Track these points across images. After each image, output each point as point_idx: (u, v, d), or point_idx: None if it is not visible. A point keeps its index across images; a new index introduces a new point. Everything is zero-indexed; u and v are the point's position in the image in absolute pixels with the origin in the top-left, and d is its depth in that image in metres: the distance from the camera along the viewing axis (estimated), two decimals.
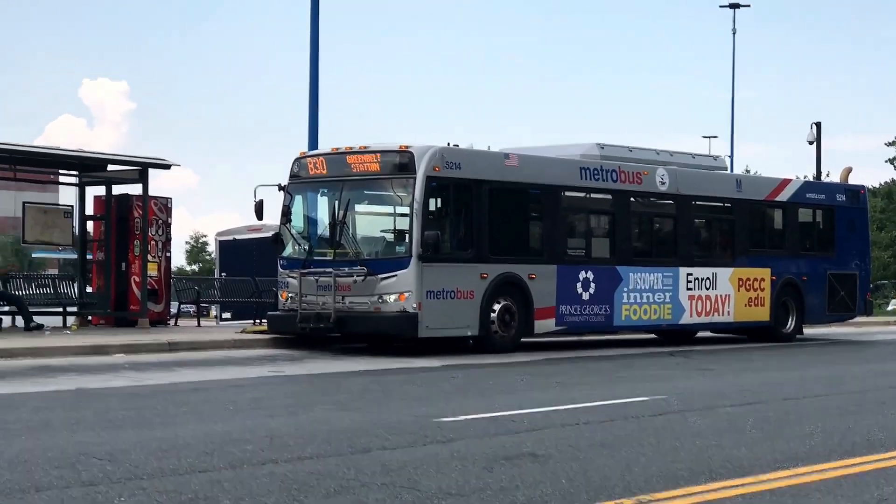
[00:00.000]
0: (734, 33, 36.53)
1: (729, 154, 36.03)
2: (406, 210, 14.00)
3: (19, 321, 16.45)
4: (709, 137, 47.23)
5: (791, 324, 18.69)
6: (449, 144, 14.88)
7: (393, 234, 14.85)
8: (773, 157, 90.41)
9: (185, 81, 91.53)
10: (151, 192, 17.75)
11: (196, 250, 54.13)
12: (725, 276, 17.65)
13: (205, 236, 53.96)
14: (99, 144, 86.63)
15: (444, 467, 6.50)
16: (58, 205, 19.67)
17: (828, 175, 30.51)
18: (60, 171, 18.28)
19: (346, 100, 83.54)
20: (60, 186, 18.77)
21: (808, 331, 20.88)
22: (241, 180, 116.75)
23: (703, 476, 6.20)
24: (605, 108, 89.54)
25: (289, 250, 15.27)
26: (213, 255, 32.92)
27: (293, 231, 15.29)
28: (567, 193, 16.01)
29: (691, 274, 17.17)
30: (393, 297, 13.83)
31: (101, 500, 5.27)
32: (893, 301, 42.75)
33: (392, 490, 5.68)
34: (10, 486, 5.62)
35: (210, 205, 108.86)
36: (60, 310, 17.73)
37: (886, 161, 55.46)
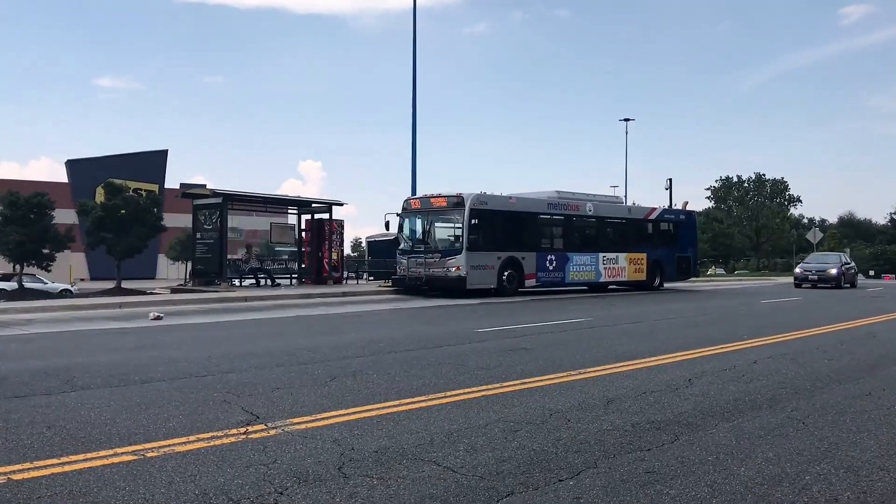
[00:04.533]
0: (626, 133, 63.53)
1: (624, 195, 55.17)
2: (460, 225, 21.43)
3: (268, 282, 24.31)
4: (614, 187, 70.82)
5: (658, 281, 26.95)
6: (482, 192, 21.89)
7: (453, 238, 21.95)
8: (647, 197, 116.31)
9: (349, 159, 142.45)
10: (334, 217, 25.34)
11: (355, 245, 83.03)
12: (623, 257, 25.75)
13: (360, 239, 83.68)
14: (308, 193, 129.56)
15: (480, 354, 8.89)
16: (287, 224, 25.79)
17: (675, 205, 41.02)
18: (289, 207, 25.73)
19: (430, 161, 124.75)
20: (289, 214, 24.70)
21: (667, 285, 28.13)
22: (377, 210, 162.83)
23: (612, 359, 8.55)
24: (560, 170, 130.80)
25: (402, 246, 22.88)
26: (364, 248, 45.24)
27: (404, 236, 22.92)
28: (541, 216, 23.59)
29: (605, 256, 25.13)
30: (454, 269, 21.15)
31: (308, 372, 7.47)
32: (710, 269, 62.29)
33: (454, 366, 7.93)
34: (262, 364, 8.07)
35: (362, 223, 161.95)
36: (288, 276, 25.26)
37: (706, 198, 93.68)
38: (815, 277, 32.49)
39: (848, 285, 33.41)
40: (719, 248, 74.47)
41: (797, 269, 35.23)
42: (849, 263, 35.48)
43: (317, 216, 25.25)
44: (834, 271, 32.67)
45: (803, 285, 32.54)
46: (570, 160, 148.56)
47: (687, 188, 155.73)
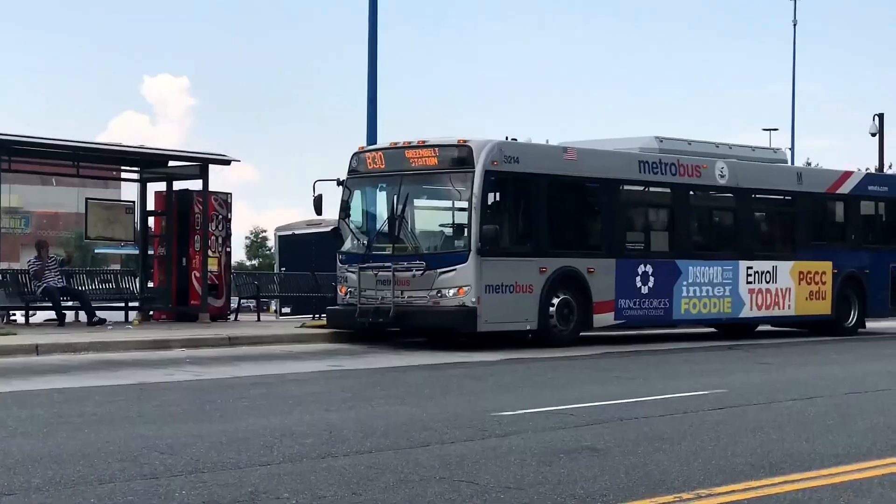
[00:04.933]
0: (795, 24, 55.37)
1: (790, 147, 53.67)
2: (464, 204, 20.68)
3: (82, 316, 23.95)
4: (769, 130, 69.31)
5: (853, 317, 26.84)
6: (507, 138, 21.52)
7: (451, 229, 21.68)
8: (834, 149, 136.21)
9: (245, 76, 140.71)
10: (212, 188, 25.23)
11: (256, 245, 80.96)
12: (786, 270, 25.48)
13: (264, 231, 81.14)
14: (162, 140, 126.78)
15: (502, 461, 9.09)
16: (120, 201, 25.80)
17: (890, 167, 41.27)
18: (122, 168, 25.73)
19: (405, 91, 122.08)
20: (122, 182, 25.21)
21: (871, 324, 28.64)
22: (301, 175, 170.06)
23: (762, 470, 8.69)
24: (662, 101, 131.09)
25: (348, 245, 22.28)
26: (272, 250, 45.39)
27: (352, 226, 22.32)
28: (626, 187, 23.30)
29: (751, 267, 24.85)
30: (452, 292, 20.47)
31: (161, 493, 7.54)
32: None
33: (451, 484, 8.02)
34: (73, 478, 8.04)
35: (270, 200, 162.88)
36: (122, 305, 24.87)
37: None
38: None
39: None
40: None
41: None
42: None
43: (178, 185, 25.02)
44: None
45: None
46: (676, 84, 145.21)
47: None
